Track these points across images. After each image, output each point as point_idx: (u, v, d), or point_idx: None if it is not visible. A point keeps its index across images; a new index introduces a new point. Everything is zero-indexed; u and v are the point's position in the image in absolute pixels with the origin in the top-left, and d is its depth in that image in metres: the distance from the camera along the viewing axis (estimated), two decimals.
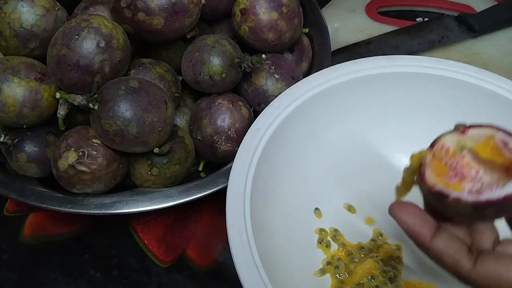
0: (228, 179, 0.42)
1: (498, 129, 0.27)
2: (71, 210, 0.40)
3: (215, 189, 0.42)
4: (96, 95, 0.38)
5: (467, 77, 0.44)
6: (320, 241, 0.42)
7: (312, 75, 0.44)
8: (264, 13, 0.46)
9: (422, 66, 0.44)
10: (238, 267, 0.33)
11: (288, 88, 0.44)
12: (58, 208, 0.40)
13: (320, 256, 0.41)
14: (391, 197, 0.43)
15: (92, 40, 0.38)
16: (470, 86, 0.43)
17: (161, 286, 0.43)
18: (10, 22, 0.40)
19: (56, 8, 0.42)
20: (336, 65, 0.45)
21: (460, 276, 0.28)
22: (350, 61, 0.45)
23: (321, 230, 0.42)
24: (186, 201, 0.41)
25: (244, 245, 0.34)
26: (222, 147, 0.44)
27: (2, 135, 0.40)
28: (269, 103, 0.46)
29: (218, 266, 0.45)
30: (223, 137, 0.44)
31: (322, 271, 0.40)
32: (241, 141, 0.44)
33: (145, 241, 0.46)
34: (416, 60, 0.45)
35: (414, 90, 0.45)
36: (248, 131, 0.41)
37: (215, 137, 0.44)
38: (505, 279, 0.26)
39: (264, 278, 0.32)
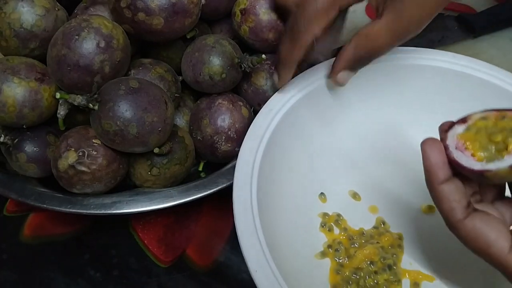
0: (228, 179, 0.42)
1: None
2: (71, 210, 0.40)
3: (215, 189, 0.42)
4: (96, 95, 0.38)
5: (479, 73, 0.45)
6: (322, 225, 0.42)
7: (327, 61, 0.45)
8: (264, 13, 0.46)
9: (437, 60, 0.46)
10: (243, 245, 0.33)
11: (302, 73, 0.44)
12: (58, 208, 0.40)
13: (322, 240, 0.41)
14: (397, 188, 0.45)
15: (92, 40, 0.38)
16: (479, 81, 0.45)
17: (161, 286, 0.43)
18: (10, 22, 0.40)
19: (56, 8, 0.42)
20: None
21: (449, 222, 0.31)
22: None
23: (325, 215, 0.43)
24: (186, 201, 0.41)
25: (249, 222, 0.34)
26: (222, 147, 0.44)
27: (2, 135, 0.40)
28: None
29: (218, 266, 0.45)
30: (223, 137, 0.44)
31: (323, 254, 0.40)
32: (242, 141, 0.44)
33: (145, 241, 0.46)
34: (433, 53, 0.47)
35: (428, 82, 0.46)
36: (260, 112, 0.41)
37: (215, 137, 0.44)
38: (483, 237, 0.30)
39: (267, 255, 0.33)
